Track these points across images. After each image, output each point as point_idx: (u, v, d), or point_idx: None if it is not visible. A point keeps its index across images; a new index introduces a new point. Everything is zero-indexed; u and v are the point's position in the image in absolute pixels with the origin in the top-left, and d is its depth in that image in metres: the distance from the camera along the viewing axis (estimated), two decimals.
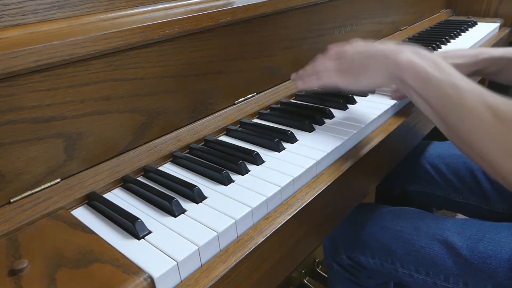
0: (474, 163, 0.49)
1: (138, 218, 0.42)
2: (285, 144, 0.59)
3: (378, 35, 1.08)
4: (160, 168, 0.56)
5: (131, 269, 0.36)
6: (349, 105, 0.71)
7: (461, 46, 1.05)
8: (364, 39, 1.00)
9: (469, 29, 1.24)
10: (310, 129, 0.63)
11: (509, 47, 0.72)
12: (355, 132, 0.61)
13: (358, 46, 0.59)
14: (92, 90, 0.50)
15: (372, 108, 0.69)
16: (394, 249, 0.66)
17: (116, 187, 0.52)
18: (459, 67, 0.67)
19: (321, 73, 0.60)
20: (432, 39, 1.11)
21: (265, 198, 0.46)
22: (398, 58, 0.52)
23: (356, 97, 0.73)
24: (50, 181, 0.47)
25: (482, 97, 0.45)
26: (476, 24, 1.29)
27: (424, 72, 0.49)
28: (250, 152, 0.55)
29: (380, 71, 0.54)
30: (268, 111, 0.72)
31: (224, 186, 0.50)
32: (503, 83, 0.74)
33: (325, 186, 0.52)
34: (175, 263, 0.37)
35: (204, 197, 0.48)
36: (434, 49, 1.03)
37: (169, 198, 0.45)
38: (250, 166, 0.53)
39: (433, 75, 0.49)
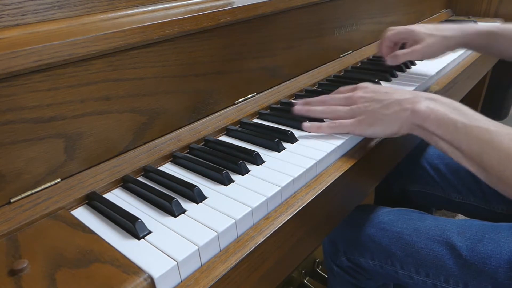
0: None
1: (138, 218, 0.42)
2: (285, 144, 0.59)
3: (378, 35, 1.07)
4: (160, 168, 0.56)
5: (131, 269, 0.36)
6: None
7: None
8: (364, 39, 1.01)
9: None
10: None
11: (495, 23, 0.78)
12: None
13: (369, 92, 0.60)
14: (92, 90, 0.50)
15: None
16: (393, 250, 0.66)
17: (116, 187, 0.52)
18: (448, 38, 0.76)
19: (335, 122, 0.60)
20: None
21: (265, 198, 0.46)
22: (416, 107, 0.52)
23: None
24: (50, 181, 0.47)
25: None
26: (476, 24, 1.29)
27: (448, 119, 0.50)
28: (250, 152, 0.55)
29: (398, 121, 0.55)
30: (268, 111, 0.72)
31: (224, 186, 0.50)
32: (495, 57, 0.80)
33: (325, 186, 0.52)
34: (175, 263, 0.37)
35: (204, 197, 0.48)
36: None
37: (169, 198, 0.45)
38: (250, 166, 0.53)
39: (458, 121, 0.49)
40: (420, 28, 0.79)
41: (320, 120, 0.63)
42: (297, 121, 0.64)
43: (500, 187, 0.48)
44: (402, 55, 0.78)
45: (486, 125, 0.48)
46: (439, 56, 0.79)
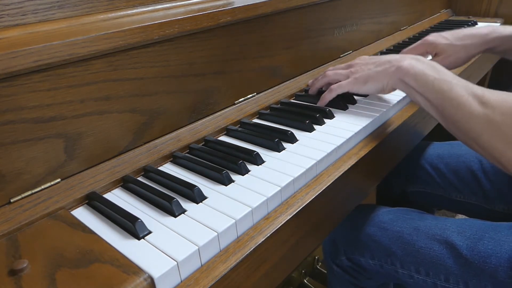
0: (471, 148, 0.54)
1: (138, 218, 0.42)
2: (285, 144, 0.59)
3: (378, 35, 1.08)
4: (160, 168, 0.56)
5: (131, 269, 0.36)
6: (349, 105, 0.71)
7: None
8: (364, 39, 1.01)
9: None
10: (310, 129, 0.63)
11: None
12: (355, 132, 0.61)
13: (365, 58, 0.70)
14: (92, 90, 0.50)
15: (372, 108, 0.69)
16: (394, 250, 0.66)
17: (116, 187, 0.52)
18: (469, 47, 0.76)
19: (333, 86, 0.69)
20: None
21: (265, 198, 0.46)
22: (400, 63, 0.61)
23: (356, 97, 0.73)
24: (50, 181, 0.47)
25: (469, 88, 0.52)
26: (476, 24, 1.29)
27: (423, 74, 0.57)
28: (250, 152, 0.55)
29: (386, 76, 0.63)
30: (268, 111, 0.72)
31: (224, 186, 0.50)
32: None
33: (325, 186, 0.52)
34: (175, 263, 0.37)
35: (204, 197, 0.48)
36: None
37: (169, 198, 0.45)
38: (250, 166, 0.53)
39: (430, 75, 0.57)
40: (438, 39, 0.78)
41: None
42: (298, 121, 0.64)
43: (455, 132, 0.55)
44: None
45: (450, 78, 0.55)
46: (461, 65, 0.78)
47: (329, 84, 0.71)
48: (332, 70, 0.72)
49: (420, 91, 0.58)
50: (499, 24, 1.26)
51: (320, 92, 0.74)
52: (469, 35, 0.77)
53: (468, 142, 0.54)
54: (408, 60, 0.60)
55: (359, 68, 0.68)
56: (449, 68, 0.76)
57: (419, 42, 0.81)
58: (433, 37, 0.79)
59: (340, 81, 0.69)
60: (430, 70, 0.57)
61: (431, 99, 0.56)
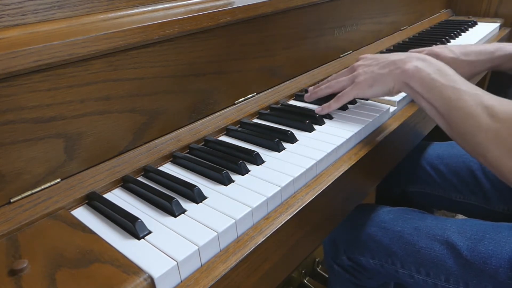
0: (478, 161, 0.52)
1: (138, 218, 0.42)
2: (285, 144, 0.59)
3: (378, 35, 1.08)
4: (160, 168, 0.56)
5: (131, 269, 0.36)
6: (349, 105, 0.71)
7: None
8: (364, 39, 1.01)
9: (469, 29, 1.24)
10: (310, 129, 0.63)
11: None
12: (354, 132, 0.61)
13: (368, 59, 0.66)
14: (92, 90, 0.50)
15: (371, 108, 0.69)
16: (394, 249, 0.66)
17: (116, 187, 0.52)
18: (475, 64, 0.73)
19: (339, 95, 0.66)
20: (432, 39, 1.11)
21: (265, 198, 0.46)
22: (405, 66, 0.57)
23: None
24: (50, 181, 0.47)
25: (479, 98, 0.49)
26: (476, 24, 1.29)
27: (429, 79, 0.54)
28: (250, 152, 0.55)
29: (391, 80, 0.60)
30: (268, 111, 0.72)
31: (224, 186, 0.50)
32: None
33: (325, 186, 0.52)
34: (175, 263, 0.37)
35: (204, 197, 0.48)
36: None
37: (169, 198, 0.45)
38: (250, 166, 0.53)
39: (437, 80, 0.53)
40: (445, 51, 0.74)
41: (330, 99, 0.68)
42: (298, 121, 0.64)
43: (461, 144, 0.53)
44: None
45: (459, 85, 0.52)
46: None
47: (333, 94, 0.68)
48: (335, 79, 0.69)
49: (426, 97, 0.55)
50: (499, 24, 1.26)
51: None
52: (475, 52, 0.73)
53: (475, 155, 0.51)
54: (414, 62, 0.57)
55: (363, 71, 0.64)
56: None
57: (426, 50, 0.77)
58: (440, 48, 0.76)
59: (345, 88, 0.66)
60: (437, 74, 0.54)
61: (437, 106, 0.53)
